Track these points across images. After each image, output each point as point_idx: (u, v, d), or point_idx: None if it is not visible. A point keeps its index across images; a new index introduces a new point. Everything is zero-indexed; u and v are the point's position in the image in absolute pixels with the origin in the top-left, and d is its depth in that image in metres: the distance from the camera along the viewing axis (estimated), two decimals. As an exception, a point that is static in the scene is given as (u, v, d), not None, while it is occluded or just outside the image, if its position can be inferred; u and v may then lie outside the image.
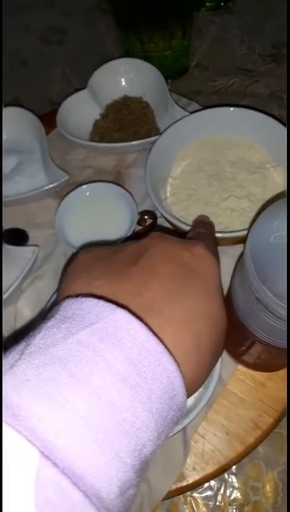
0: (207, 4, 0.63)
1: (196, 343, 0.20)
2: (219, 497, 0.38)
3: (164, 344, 0.17)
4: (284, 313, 0.25)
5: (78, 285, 0.21)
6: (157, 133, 0.49)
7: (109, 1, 0.56)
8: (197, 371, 0.20)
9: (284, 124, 0.43)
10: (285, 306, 0.24)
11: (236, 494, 0.38)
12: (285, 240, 0.25)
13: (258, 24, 0.68)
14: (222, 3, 0.63)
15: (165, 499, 0.36)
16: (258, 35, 0.66)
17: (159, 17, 0.54)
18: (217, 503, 0.38)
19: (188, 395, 0.19)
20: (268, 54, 0.64)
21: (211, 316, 0.22)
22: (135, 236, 0.41)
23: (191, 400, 0.32)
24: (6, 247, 0.42)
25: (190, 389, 0.20)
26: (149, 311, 0.19)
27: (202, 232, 0.32)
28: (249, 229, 0.27)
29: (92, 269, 0.22)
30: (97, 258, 0.24)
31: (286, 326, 0.26)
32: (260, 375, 0.39)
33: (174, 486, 0.36)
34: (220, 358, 0.33)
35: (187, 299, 0.21)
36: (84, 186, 0.42)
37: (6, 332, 0.41)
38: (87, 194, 0.41)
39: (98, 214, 0.41)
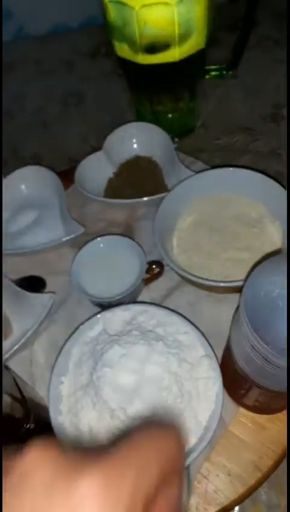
0: (211, 73, 0.70)
1: None
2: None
3: None
4: (277, 360, 0.28)
5: None
6: (165, 189, 0.54)
7: (122, 71, 0.62)
8: None
9: (280, 183, 0.48)
10: (277, 355, 0.27)
11: (238, 536, 0.39)
12: (275, 294, 0.29)
13: (259, 87, 0.74)
14: (225, 72, 0.70)
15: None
16: (258, 97, 0.72)
17: (167, 84, 0.60)
18: None
19: None
20: (268, 114, 0.70)
21: None
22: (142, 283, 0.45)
23: (193, 440, 0.35)
24: (24, 294, 0.46)
25: None
26: None
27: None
28: (244, 282, 0.30)
29: None
30: None
31: (280, 372, 0.29)
32: (260, 418, 0.41)
33: (178, 527, 0.37)
34: (221, 400, 0.36)
35: None
36: (98, 239, 0.46)
37: (24, 374, 0.43)
38: (101, 245, 0.46)
39: (110, 263, 0.45)
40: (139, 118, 0.66)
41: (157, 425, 0.19)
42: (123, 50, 0.56)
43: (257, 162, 0.64)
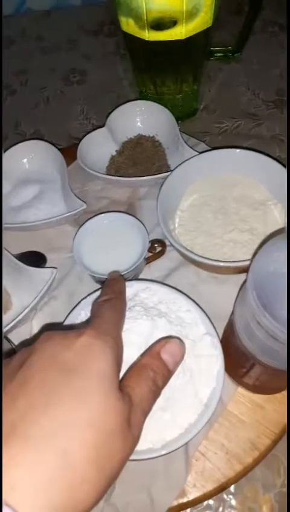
0: (216, 55, 0.69)
1: (62, 460, 0.19)
2: (218, 516, 0.39)
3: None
4: (283, 336, 0.28)
5: None
6: (168, 169, 0.53)
7: (127, 48, 0.61)
8: (72, 489, 0.18)
9: (284, 165, 0.47)
10: (284, 330, 0.27)
11: (234, 514, 0.39)
12: (284, 270, 0.28)
13: (263, 72, 0.73)
14: (230, 55, 0.69)
15: (166, 514, 0.37)
16: (262, 82, 0.72)
17: (172, 63, 0.59)
18: (216, 522, 0.39)
19: (84, 507, 0.19)
20: (271, 100, 0.69)
21: (88, 418, 0.20)
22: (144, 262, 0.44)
23: (193, 417, 0.34)
24: (25, 268, 0.45)
25: (73, 507, 0.18)
26: (9, 437, 0.19)
27: (103, 304, 0.29)
28: (251, 259, 0.30)
29: None
30: None
31: (284, 349, 0.29)
32: (259, 398, 0.41)
33: (175, 503, 0.37)
34: (222, 378, 0.36)
35: (55, 408, 0.20)
36: (102, 215, 0.45)
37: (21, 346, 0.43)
38: (105, 222, 0.45)
39: (113, 240, 0.45)
40: (142, 99, 0.65)
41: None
42: (129, 26, 0.54)
43: (259, 147, 0.63)
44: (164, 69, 0.60)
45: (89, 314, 0.40)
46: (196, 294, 0.45)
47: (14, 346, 0.36)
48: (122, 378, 0.25)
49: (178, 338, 0.30)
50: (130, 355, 0.33)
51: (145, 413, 0.24)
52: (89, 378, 0.21)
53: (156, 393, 0.25)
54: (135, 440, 0.22)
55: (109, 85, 0.74)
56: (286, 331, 0.27)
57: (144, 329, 0.34)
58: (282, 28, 0.81)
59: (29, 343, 0.27)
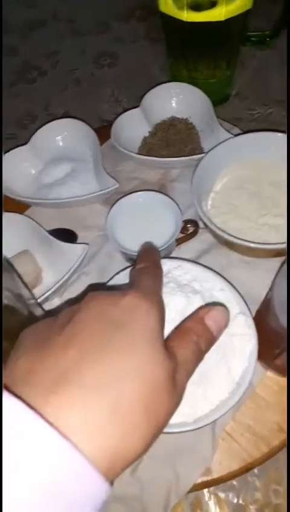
0: (252, 39, 0.68)
1: (114, 407, 0.19)
2: (241, 497, 0.39)
3: (65, 435, 0.17)
4: None
5: (8, 366, 0.21)
6: (201, 152, 0.53)
7: (163, 30, 0.60)
8: (122, 436, 0.19)
9: None
10: None
11: (258, 495, 0.39)
12: None
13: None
14: (267, 40, 0.68)
15: (190, 491, 0.38)
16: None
17: (208, 47, 0.58)
18: (239, 502, 0.39)
19: (129, 460, 0.19)
20: (304, 89, 0.68)
21: (138, 370, 0.20)
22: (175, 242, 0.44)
23: (225, 395, 0.34)
24: (57, 243, 0.45)
25: (123, 455, 0.19)
26: (61, 384, 0.19)
27: (142, 271, 0.30)
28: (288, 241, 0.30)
29: (19, 347, 0.23)
30: (31, 333, 0.24)
31: None
32: (285, 381, 0.41)
33: (199, 480, 0.38)
34: (255, 358, 0.35)
35: (106, 359, 0.20)
36: (137, 193, 0.45)
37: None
38: (140, 200, 0.45)
39: (146, 219, 0.45)
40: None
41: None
42: (168, 6, 0.54)
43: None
44: (199, 52, 0.59)
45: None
46: (227, 277, 0.45)
47: (46, 313, 0.36)
48: (167, 339, 0.25)
49: (223, 305, 0.30)
50: (165, 331, 0.33)
51: (189, 374, 0.24)
52: (138, 333, 0.22)
53: (199, 356, 0.25)
54: (179, 398, 0.23)
55: (140, 69, 0.74)
56: None
57: (178, 305, 0.34)
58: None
59: (74, 302, 0.27)
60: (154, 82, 0.68)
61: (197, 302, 0.35)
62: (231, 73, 0.65)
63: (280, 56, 0.73)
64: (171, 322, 0.34)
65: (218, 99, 0.66)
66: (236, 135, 0.50)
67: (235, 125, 0.60)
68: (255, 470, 0.40)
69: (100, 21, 0.84)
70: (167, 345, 0.24)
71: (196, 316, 0.27)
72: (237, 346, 0.35)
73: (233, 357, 0.35)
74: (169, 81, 0.66)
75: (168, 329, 0.33)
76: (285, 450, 0.40)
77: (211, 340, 0.27)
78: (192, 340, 0.25)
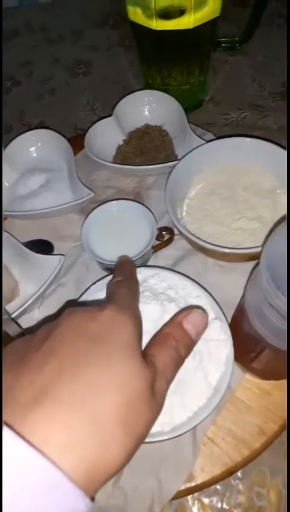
0: (223, 45, 0.69)
1: (92, 421, 0.19)
2: (225, 501, 0.40)
3: (44, 454, 0.17)
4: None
5: None
6: (176, 159, 0.53)
7: (134, 38, 0.61)
8: (102, 449, 0.19)
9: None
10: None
11: (241, 498, 0.40)
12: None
13: (269, 64, 0.73)
14: (237, 45, 0.68)
15: (173, 498, 0.38)
16: (268, 74, 0.72)
17: (179, 53, 0.59)
18: (223, 506, 0.39)
19: (110, 472, 0.19)
20: (277, 92, 0.69)
21: (116, 383, 0.21)
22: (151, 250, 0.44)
23: (202, 401, 0.35)
24: (33, 255, 0.45)
25: (103, 468, 0.19)
26: (39, 400, 0.19)
27: (118, 284, 0.30)
28: (262, 245, 0.30)
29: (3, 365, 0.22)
30: (9, 352, 0.24)
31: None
32: (266, 384, 0.41)
33: (183, 487, 0.38)
34: (231, 362, 0.36)
35: (84, 374, 0.20)
36: (111, 202, 0.45)
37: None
38: (114, 209, 0.45)
39: (121, 227, 0.45)
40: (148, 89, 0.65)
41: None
42: (137, 15, 0.54)
43: (266, 138, 0.63)
44: (171, 59, 0.60)
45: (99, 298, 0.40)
46: (203, 283, 0.45)
47: (23, 330, 0.36)
48: (145, 347, 0.25)
49: (201, 308, 0.30)
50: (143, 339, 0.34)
51: (168, 381, 0.24)
52: (115, 347, 0.22)
53: (178, 362, 0.25)
54: (159, 407, 0.23)
55: (114, 76, 0.74)
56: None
57: (154, 313, 0.35)
58: (287, 20, 0.81)
59: (51, 319, 0.27)
60: (129, 89, 0.69)
61: (172, 310, 0.35)
62: (203, 79, 0.66)
63: (251, 60, 0.74)
64: (146, 331, 0.34)
65: (192, 105, 0.67)
66: (208, 141, 0.50)
67: (210, 131, 0.61)
68: (239, 473, 0.40)
69: (74, 29, 0.85)
70: (146, 353, 0.24)
71: (174, 321, 0.27)
72: (213, 351, 0.36)
73: (209, 363, 0.35)
74: (142, 88, 0.67)
75: (144, 339, 0.33)
76: (267, 451, 0.40)
77: (190, 344, 0.27)
78: (171, 346, 0.25)
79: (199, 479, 0.38)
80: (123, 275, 0.32)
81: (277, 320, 0.29)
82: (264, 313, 0.30)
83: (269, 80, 0.71)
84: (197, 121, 0.64)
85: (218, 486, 0.40)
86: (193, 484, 0.38)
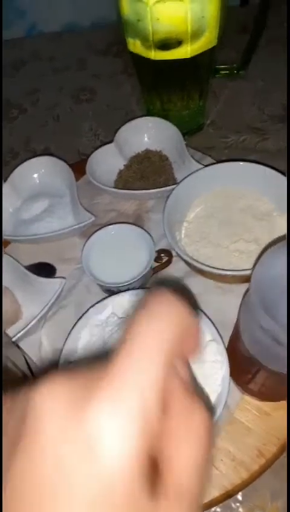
0: (221, 72, 0.71)
1: None
2: (225, 524, 0.39)
3: None
4: (285, 339, 0.28)
5: None
6: (175, 183, 0.55)
7: (134, 67, 0.63)
8: None
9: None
10: (285, 333, 0.28)
11: (242, 523, 0.39)
12: (283, 274, 0.29)
13: (268, 89, 0.75)
14: (235, 72, 0.71)
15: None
16: (267, 98, 0.74)
17: (178, 81, 0.61)
18: (223, 530, 0.39)
19: None
20: (276, 115, 0.71)
21: None
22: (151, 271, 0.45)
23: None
24: (35, 279, 0.46)
25: None
26: None
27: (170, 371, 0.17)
28: (252, 268, 0.31)
29: None
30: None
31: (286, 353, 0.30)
32: (265, 406, 0.41)
33: (182, 510, 0.38)
34: (227, 383, 0.36)
35: None
36: (109, 226, 0.47)
37: (33, 357, 0.44)
38: (112, 233, 0.47)
39: (120, 250, 0.46)
40: (150, 115, 0.67)
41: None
42: (136, 46, 0.57)
43: (265, 160, 0.64)
44: (170, 87, 0.62)
45: (96, 323, 0.41)
46: (202, 304, 0.46)
47: (24, 353, 0.37)
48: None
49: None
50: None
51: None
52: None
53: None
54: None
55: (117, 103, 0.77)
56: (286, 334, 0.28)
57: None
58: (285, 45, 0.83)
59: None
60: (131, 115, 0.71)
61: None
62: (203, 104, 0.68)
63: (250, 85, 0.76)
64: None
65: (193, 129, 0.69)
66: (206, 165, 0.52)
67: (209, 155, 0.62)
68: (239, 496, 0.40)
69: (79, 58, 0.88)
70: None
71: None
72: (209, 373, 0.36)
73: (205, 385, 0.36)
74: (144, 114, 0.69)
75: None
76: (268, 474, 0.40)
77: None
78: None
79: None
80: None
81: (269, 343, 0.30)
82: (257, 335, 0.31)
83: (268, 103, 0.73)
84: (198, 144, 0.66)
85: (218, 509, 0.40)
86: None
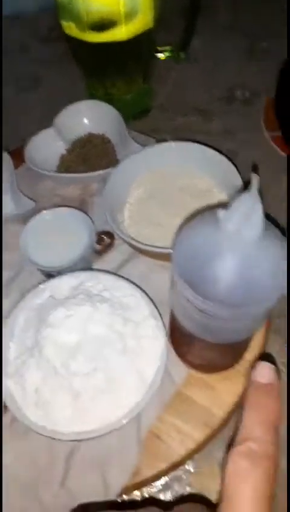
0: (165, 53, 0.71)
1: None
2: (173, 495, 0.40)
3: None
4: (209, 308, 0.29)
5: None
6: (117, 165, 0.55)
7: (71, 51, 0.62)
8: None
9: (227, 157, 0.49)
10: (208, 303, 0.29)
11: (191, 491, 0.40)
12: (203, 244, 0.30)
13: (214, 71, 0.76)
14: (178, 53, 0.71)
15: (121, 494, 0.38)
16: (214, 80, 0.74)
17: (118, 64, 0.61)
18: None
19: None
20: (222, 97, 0.72)
21: None
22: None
23: (138, 397, 0.35)
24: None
25: None
26: None
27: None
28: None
29: None
30: None
31: (214, 323, 0.31)
32: (210, 378, 0.42)
33: (129, 483, 0.38)
34: (165, 357, 0.37)
35: None
36: (44, 211, 0.46)
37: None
38: (47, 217, 0.46)
39: (59, 234, 0.45)
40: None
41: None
42: (71, 29, 0.56)
43: (211, 141, 0.65)
44: (110, 70, 0.62)
45: (34, 307, 0.40)
46: (147, 283, 0.46)
47: None
48: None
49: None
50: (70, 339, 0.35)
51: None
52: None
53: None
54: None
55: (63, 89, 0.75)
56: (216, 304, 0.28)
57: (84, 313, 0.36)
58: (232, 28, 0.84)
59: None
60: (79, 100, 0.70)
61: (103, 310, 0.36)
62: (148, 87, 0.68)
63: (197, 67, 0.76)
64: (77, 331, 0.35)
65: (139, 112, 0.69)
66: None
67: (154, 137, 0.63)
68: (187, 466, 0.41)
69: (20, 43, 0.86)
70: None
71: None
72: (147, 347, 0.37)
73: (143, 359, 0.36)
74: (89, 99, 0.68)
75: (72, 339, 0.34)
76: (213, 443, 0.41)
77: None
78: None
79: (145, 474, 0.39)
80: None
81: (196, 314, 0.31)
82: (185, 308, 0.32)
83: (214, 85, 0.73)
84: (144, 127, 0.66)
85: (168, 480, 0.41)
86: (138, 480, 0.38)
